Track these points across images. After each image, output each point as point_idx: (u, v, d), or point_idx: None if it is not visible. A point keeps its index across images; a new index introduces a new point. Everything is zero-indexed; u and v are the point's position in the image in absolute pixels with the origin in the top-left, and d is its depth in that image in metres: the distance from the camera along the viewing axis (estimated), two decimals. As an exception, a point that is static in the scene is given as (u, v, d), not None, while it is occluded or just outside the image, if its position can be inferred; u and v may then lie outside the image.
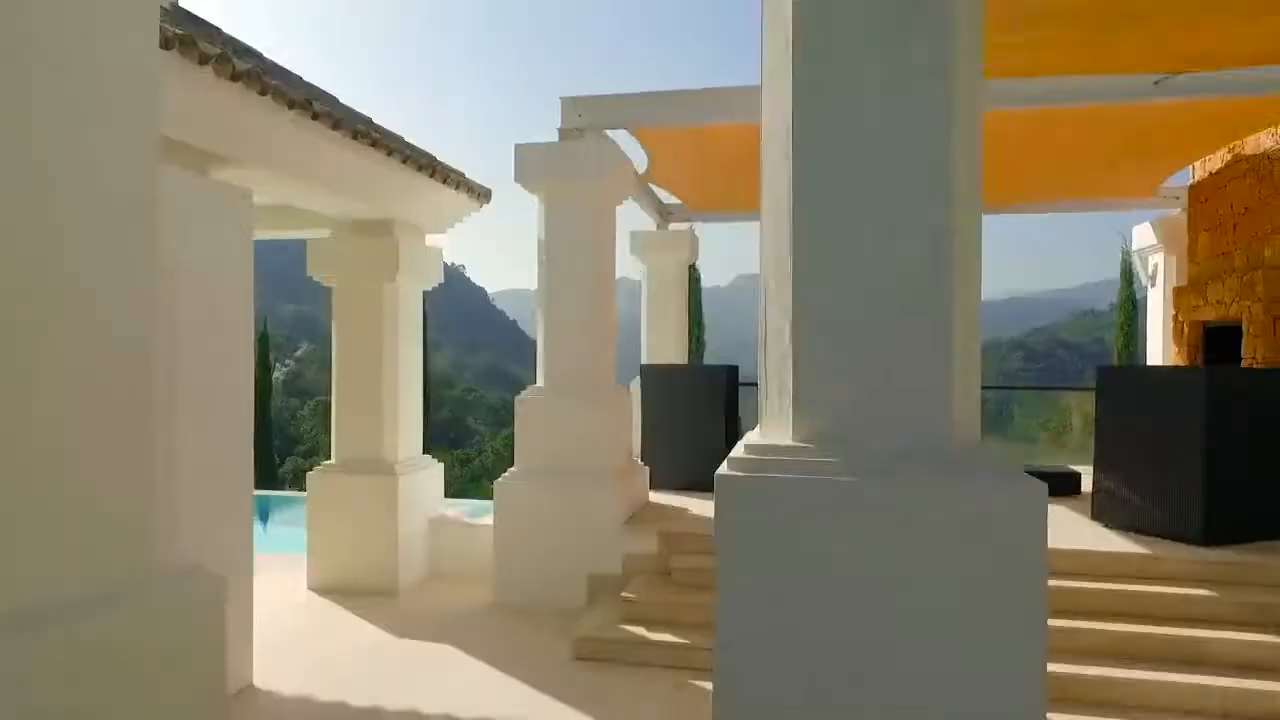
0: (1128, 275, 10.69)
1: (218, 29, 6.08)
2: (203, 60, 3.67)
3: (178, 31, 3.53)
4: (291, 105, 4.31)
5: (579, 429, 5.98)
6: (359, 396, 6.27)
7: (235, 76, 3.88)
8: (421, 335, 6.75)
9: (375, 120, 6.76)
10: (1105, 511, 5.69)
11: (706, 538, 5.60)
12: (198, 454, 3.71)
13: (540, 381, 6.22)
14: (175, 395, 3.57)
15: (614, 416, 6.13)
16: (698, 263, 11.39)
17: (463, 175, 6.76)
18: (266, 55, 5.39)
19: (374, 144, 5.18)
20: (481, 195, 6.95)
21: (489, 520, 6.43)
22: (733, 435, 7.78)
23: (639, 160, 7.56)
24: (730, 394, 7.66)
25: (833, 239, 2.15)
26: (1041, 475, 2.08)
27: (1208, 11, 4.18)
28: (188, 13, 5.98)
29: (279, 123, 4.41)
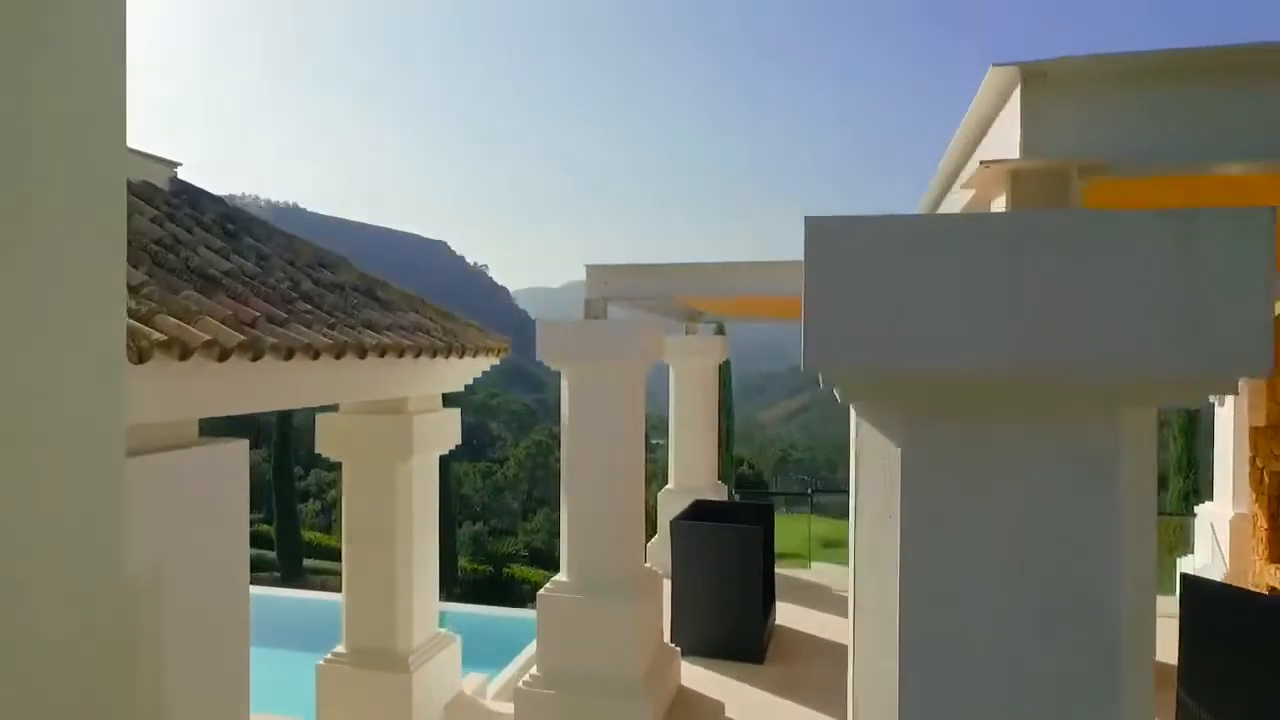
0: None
1: (218, 199, 5.69)
2: (184, 355, 3.23)
3: (154, 338, 3.09)
4: (288, 355, 3.87)
5: (607, 630, 5.52)
6: (371, 580, 5.85)
7: (224, 356, 3.44)
8: (438, 504, 6.32)
9: (392, 283, 6.34)
10: (1192, 741, 5.12)
11: (746, 767, 5.12)
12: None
13: (564, 573, 5.76)
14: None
15: (644, 611, 5.66)
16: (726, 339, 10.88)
17: (481, 335, 6.32)
18: (276, 201, 4.99)
19: (383, 353, 4.73)
20: (501, 350, 6.50)
21: (508, 706, 5.99)
22: (769, 597, 7.28)
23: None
24: (767, 549, 7.16)
25: None
26: None
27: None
28: (185, 184, 5.59)
29: (278, 373, 3.98)
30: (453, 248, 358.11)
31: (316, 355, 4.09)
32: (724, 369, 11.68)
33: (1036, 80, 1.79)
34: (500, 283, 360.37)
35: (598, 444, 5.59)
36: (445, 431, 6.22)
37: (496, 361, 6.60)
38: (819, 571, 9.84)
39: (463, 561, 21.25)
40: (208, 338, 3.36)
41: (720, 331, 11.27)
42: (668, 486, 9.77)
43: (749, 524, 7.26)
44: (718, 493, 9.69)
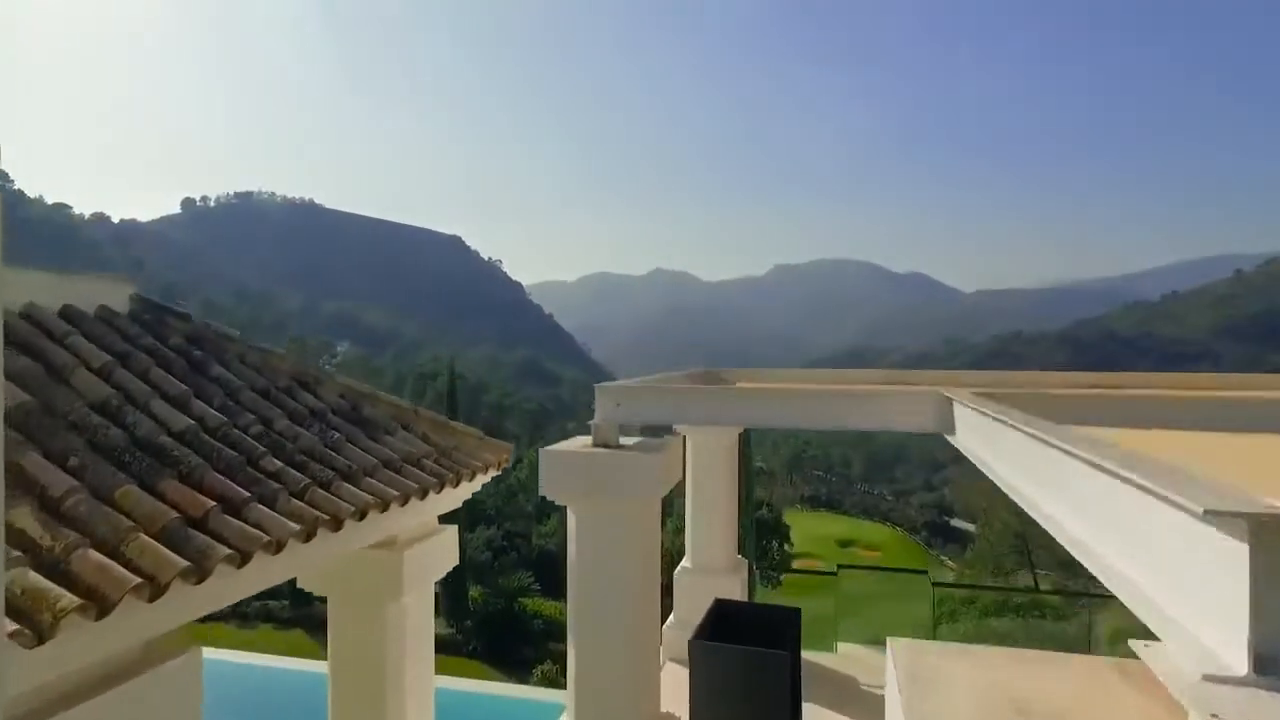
0: None
1: (184, 316, 5.14)
2: (103, 613, 2.66)
3: (61, 606, 2.53)
4: (243, 561, 3.31)
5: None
6: (359, 730, 5.30)
7: (159, 594, 2.88)
8: (433, 638, 5.77)
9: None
10: None
11: None
12: None
13: (571, 726, 5.19)
14: None
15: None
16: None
17: (479, 447, 5.74)
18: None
19: (363, 515, 4.16)
20: (502, 461, 5.92)
21: None
22: (795, 715, 6.68)
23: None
24: (795, 664, 6.55)
25: None
26: None
27: None
28: (147, 302, 5.04)
29: (236, 580, 3.42)
30: (467, 242, 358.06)
31: (280, 548, 3.53)
32: (745, 444, 11.05)
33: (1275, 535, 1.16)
34: (514, 277, 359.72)
35: (608, 587, 5.01)
36: (442, 557, 5.65)
37: (498, 473, 6.02)
38: (845, 656, 9.23)
39: (473, 592, 20.67)
40: (137, 581, 2.80)
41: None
42: (684, 564, 9.19)
43: (776, 627, 6.69)
44: (738, 572, 9.10)
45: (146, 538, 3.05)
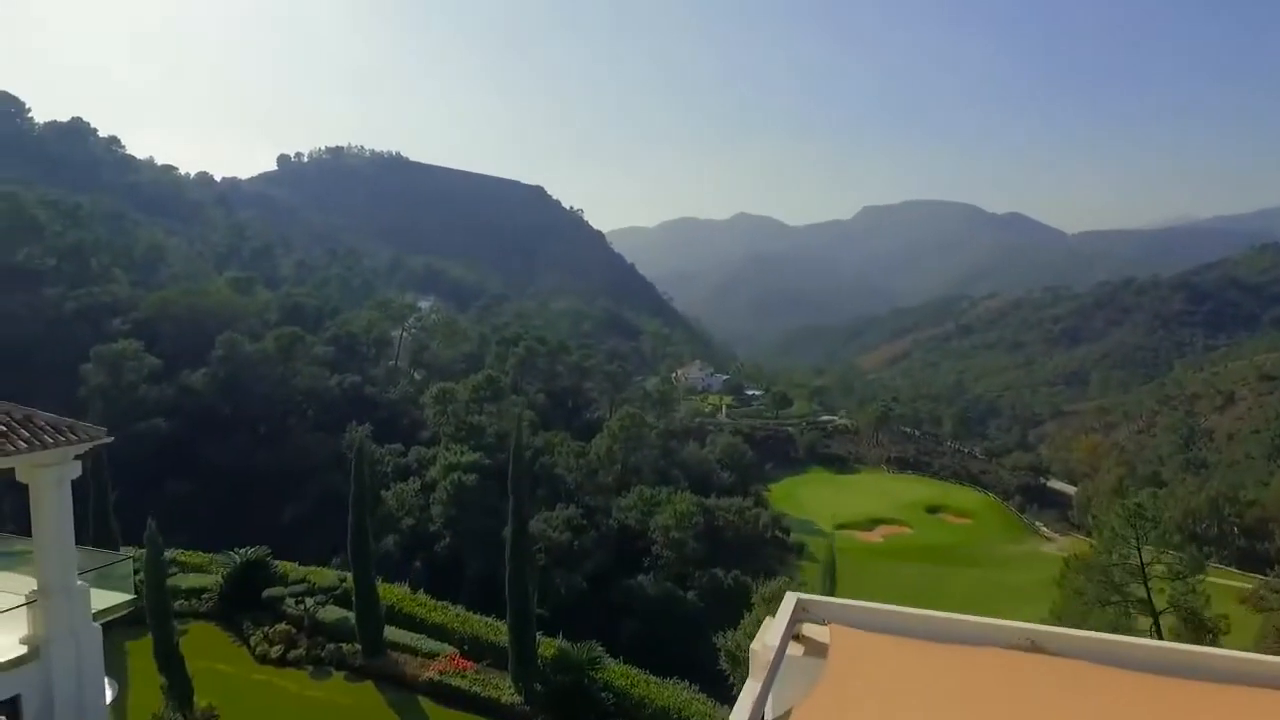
0: None
1: None
2: None
3: None
4: None
5: None
6: None
7: None
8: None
9: None
10: None
11: None
12: None
13: None
14: None
15: None
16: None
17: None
18: None
19: None
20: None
21: None
22: None
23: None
24: None
25: None
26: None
27: None
28: None
29: None
30: (549, 192, 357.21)
31: None
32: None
33: None
34: (595, 226, 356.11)
35: None
36: None
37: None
38: None
39: (545, 647, 19.95)
40: None
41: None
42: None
43: None
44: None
45: None
